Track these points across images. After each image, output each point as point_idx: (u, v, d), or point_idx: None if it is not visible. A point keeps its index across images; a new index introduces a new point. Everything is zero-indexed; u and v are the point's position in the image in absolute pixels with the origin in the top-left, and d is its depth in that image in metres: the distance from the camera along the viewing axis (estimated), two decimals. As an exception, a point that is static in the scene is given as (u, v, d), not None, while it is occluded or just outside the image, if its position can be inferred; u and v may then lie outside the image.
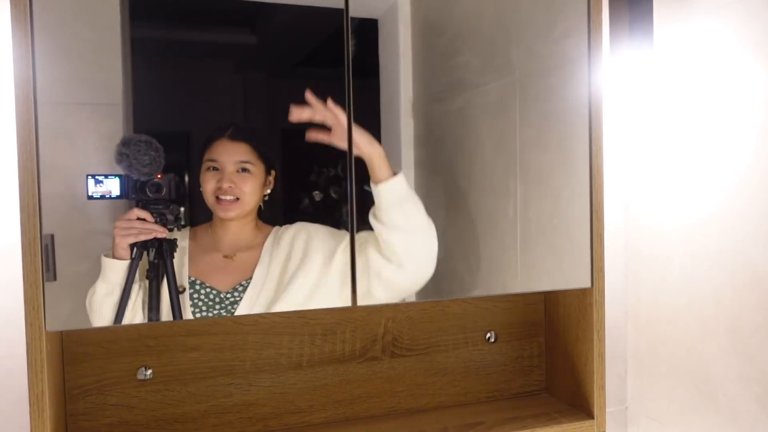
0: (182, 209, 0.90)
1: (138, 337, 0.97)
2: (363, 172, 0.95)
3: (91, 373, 0.96)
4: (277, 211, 0.96)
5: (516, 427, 1.03)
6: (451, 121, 1.03)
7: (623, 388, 1.29)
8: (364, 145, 0.93)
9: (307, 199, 0.94)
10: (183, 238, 0.92)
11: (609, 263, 1.09)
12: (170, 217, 0.88)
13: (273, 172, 0.93)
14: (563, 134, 1.06)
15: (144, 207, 0.87)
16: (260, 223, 0.96)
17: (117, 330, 0.96)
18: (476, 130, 1.04)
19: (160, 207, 0.87)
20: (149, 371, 0.98)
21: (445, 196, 1.02)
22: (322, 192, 0.94)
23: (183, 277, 0.92)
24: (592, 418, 1.06)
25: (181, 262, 0.92)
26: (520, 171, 1.08)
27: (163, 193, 0.86)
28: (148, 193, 0.86)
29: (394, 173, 0.94)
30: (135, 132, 0.86)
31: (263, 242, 0.95)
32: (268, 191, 0.94)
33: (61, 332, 0.93)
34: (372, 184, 0.94)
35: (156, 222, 0.87)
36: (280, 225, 0.96)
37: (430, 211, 1.00)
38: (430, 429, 1.03)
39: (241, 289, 0.94)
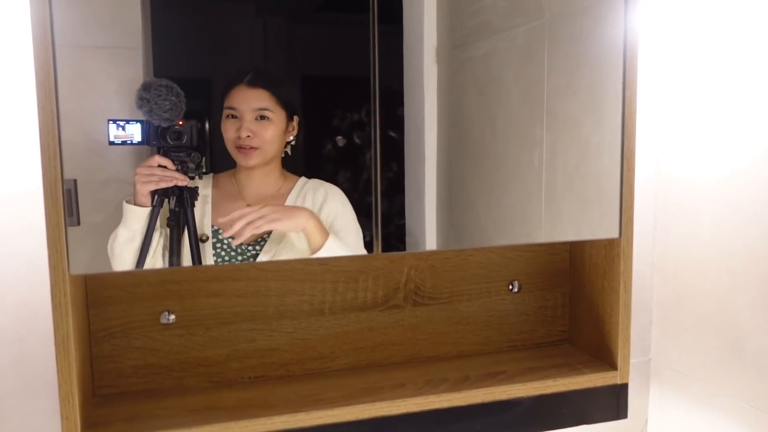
0: (203, 157, 0.88)
1: (161, 282, 0.98)
2: (388, 117, 0.93)
3: (115, 317, 0.96)
4: (302, 160, 0.94)
5: (538, 377, 1.02)
6: (475, 67, 1.00)
7: (647, 340, 1.27)
8: (296, 224, 0.92)
9: (330, 145, 0.92)
10: (206, 186, 0.91)
11: (637, 214, 1.06)
12: (191, 165, 0.86)
13: (295, 118, 0.91)
14: (594, 80, 1.02)
15: (165, 154, 0.85)
16: (285, 172, 0.94)
17: (140, 274, 0.96)
18: (502, 77, 1.01)
19: (182, 155, 0.86)
20: (172, 316, 0.98)
21: (468, 144, 1.00)
22: (346, 137, 0.92)
23: (206, 225, 0.91)
24: (615, 369, 1.05)
25: (203, 211, 0.91)
26: (547, 118, 1.05)
27: (184, 140, 0.85)
28: (169, 140, 0.84)
29: (326, 235, 0.93)
30: (155, 77, 0.84)
31: (288, 194, 0.94)
32: (291, 138, 0.92)
33: (85, 276, 0.93)
34: (310, 251, 0.92)
35: (177, 170, 0.86)
36: (308, 177, 0.94)
37: (453, 160, 0.98)
38: (451, 377, 1.03)
39: (262, 241, 0.93)
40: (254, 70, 0.89)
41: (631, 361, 1.24)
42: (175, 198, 0.87)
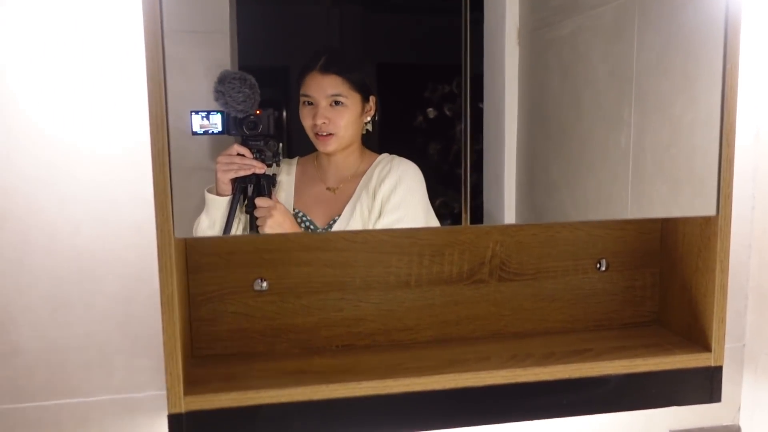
0: (281, 144, 0.91)
1: (255, 250, 1.01)
2: (478, 89, 0.93)
3: (212, 282, 1.01)
4: (383, 137, 0.95)
5: (627, 356, 1.01)
6: (560, 48, 0.98)
7: (741, 325, 1.23)
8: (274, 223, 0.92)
9: (421, 117, 0.93)
10: (290, 170, 0.94)
11: (734, 192, 1.02)
12: (268, 153, 0.89)
13: (372, 99, 0.92)
14: (689, 56, 0.99)
15: (244, 143, 0.89)
16: (365, 150, 0.96)
17: (236, 242, 1.01)
18: (588, 57, 0.99)
19: (259, 143, 0.89)
20: (265, 283, 1.02)
21: (551, 127, 0.99)
22: (436, 109, 0.93)
23: (288, 208, 0.94)
24: (709, 350, 1.02)
25: (287, 193, 0.94)
26: (636, 98, 1.03)
27: (260, 129, 0.88)
28: (245, 130, 0.87)
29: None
30: (239, 63, 0.86)
31: (364, 173, 0.95)
32: (368, 119, 0.93)
33: (185, 242, 0.98)
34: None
35: (255, 158, 0.89)
36: (390, 152, 0.95)
37: (536, 142, 0.97)
38: (537, 353, 1.02)
39: (332, 224, 0.95)
40: (327, 55, 0.91)
41: (725, 345, 1.19)
42: (252, 185, 0.90)
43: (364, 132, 0.94)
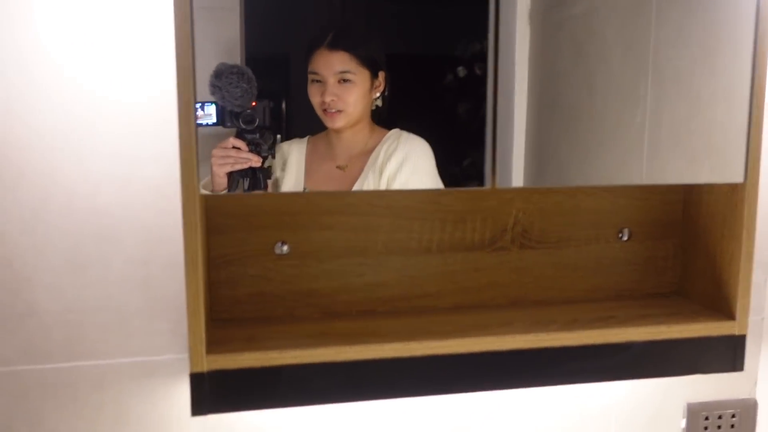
0: (278, 136, 0.89)
1: (276, 213, 1.00)
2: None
3: (232, 244, 1.00)
4: (393, 113, 0.94)
5: (650, 323, 1.00)
6: (573, 26, 0.97)
7: (762, 298, 1.22)
8: None
9: (451, 75, 0.92)
10: (301, 149, 0.92)
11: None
12: (264, 146, 0.88)
13: (381, 75, 0.91)
14: (710, 29, 0.97)
15: (239, 135, 0.87)
16: (375, 126, 0.94)
17: (257, 204, 0.99)
18: (602, 34, 0.98)
19: (255, 136, 0.87)
20: (285, 246, 1.01)
21: (562, 108, 0.97)
22: (467, 68, 0.91)
23: (298, 186, 0.93)
24: (733, 319, 1.01)
25: (298, 172, 0.92)
26: (653, 73, 1.01)
27: (257, 122, 0.86)
28: (242, 124, 0.86)
29: None
30: (246, 41, 0.84)
31: (373, 150, 0.94)
32: (377, 95, 0.92)
33: (205, 204, 0.96)
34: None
35: (251, 151, 0.87)
36: (401, 127, 0.94)
37: (543, 125, 0.96)
38: (560, 319, 1.02)
39: None
40: (334, 32, 0.89)
41: (745, 317, 1.19)
42: (248, 179, 0.89)
43: (374, 108, 0.93)
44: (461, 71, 0.91)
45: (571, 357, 0.97)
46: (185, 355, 1.02)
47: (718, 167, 1.00)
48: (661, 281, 1.14)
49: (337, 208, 1.02)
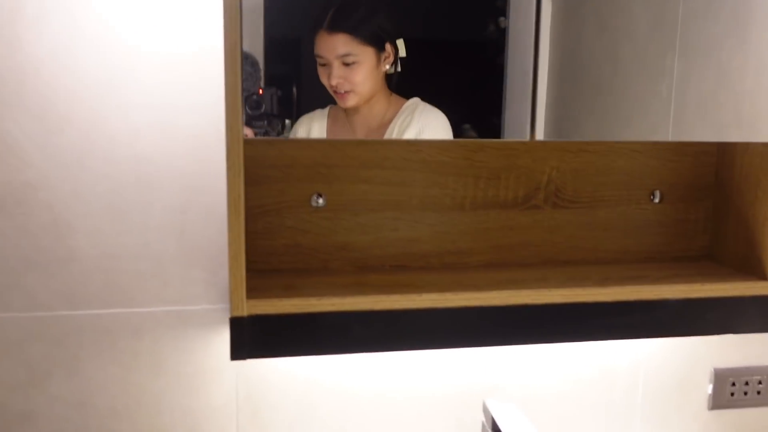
0: (287, 122, 0.90)
1: (313, 165, 1.01)
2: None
3: (269, 195, 1.01)
4: (410, 82, 0.94)
5: (685, 281, 1.00)
6: (597, 1, 0.97)
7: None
8: None
9: (493, 26, 0.92)
10: (322, 122, 0.93)
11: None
12: (273, 134, 0.88)
13: (388, 46, 0.91)
14: None
15: (247, 123, 0.87)
16: (393, 97, 0.94)
17: (295, 156, 1.00)
18: (627, 6, 0.98)
19: (263, 122, 0.88)
20: (321, 199, 1.02)
21: (585, 85, 0.98)
22: (508, 18, 0.91)
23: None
24: (766, 280, 1.01)
25: None
26: (680, 46, 1.01)
27: (263, 109, 0.87)
28: (248, 110, 0.86)
29: None
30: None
31: (390, 121, 0.95)
32: (388, 66, 0.92)
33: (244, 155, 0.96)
34: None
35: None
36: (421, 96, 0.94)
37: (566, 104, 0.96)
38: (593, 277, 1.02)
39: None
40: (332, 12, 0.89)
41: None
42: None
43: (391, 72, 0.93)
44: (503, 21, 0.91)
45: (605, 313, 0.97)
46: (220, 306, 1.03)
47: (747, 138, 1.00)
48: (691, 244, 1.14)
49: (372, 162, 1.02)
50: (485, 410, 1.05)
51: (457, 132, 0.95)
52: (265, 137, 0.90)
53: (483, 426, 1.06)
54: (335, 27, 0.89)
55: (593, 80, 0.98)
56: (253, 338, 0.88)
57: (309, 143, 0.99)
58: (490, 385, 1.11)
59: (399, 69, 0.93)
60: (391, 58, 0.92)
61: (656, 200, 1.12)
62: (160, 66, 0.96)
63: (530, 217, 1.08)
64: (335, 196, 1.02)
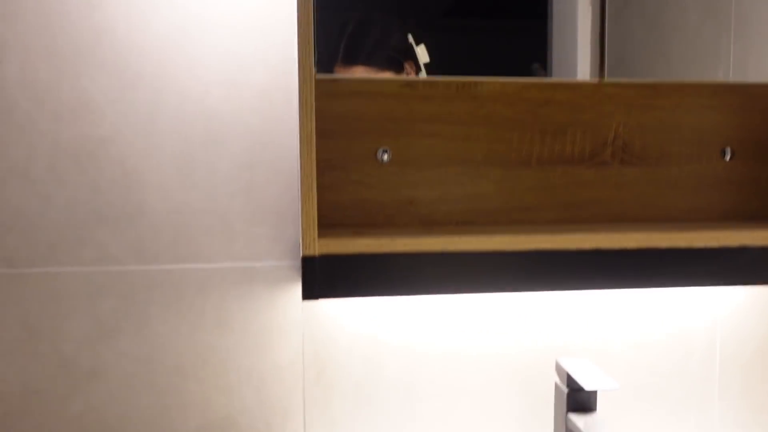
0: None
1: (379, 119, 1.01)
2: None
3: (335, 149, 1.01)
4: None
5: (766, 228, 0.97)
6: None
7: None
8: None
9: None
10: None
11: None
12: None
13: (406, 66, 0.92)
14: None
15: None
16: None
17: (361, 109, 1.00)
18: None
19: None
20: (386, 154, 1.02)
21: (635, 67, 0.97)
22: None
23: None
24: None
25: None
26: (734, 33, 1.01)
27: None
28: None
29: None
30: None
31: None
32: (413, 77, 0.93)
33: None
34: None
35: None
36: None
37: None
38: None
39: None
40: (344, 44, 0.90)
41: None
42: None
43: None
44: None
45: (682, 259, 0.94)
46: (286, 263, 1.02)
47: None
48: (765, 203, 1.10)
49: (438, 116, 1.02)
50: (558, 368, 1.01)
51: (527, 73, 0.95)
52: (333, 75, 0.91)
53: (556, 385, 1.03)
54: (350, 60, 0.90)
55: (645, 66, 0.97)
56: (324, 278, 0.87)
57: (375, 96, 0.99)
58: (560, 346, 1.08)
59: (425, 73, 0.94)
60: (413, 73, 0.93)
61: (727, 158, 1.09)
62: (228, 23, 0.98)
63: (597, 174, 1.06)
64: (401, 151, 1.02)
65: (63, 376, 1.00)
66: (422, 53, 0.93)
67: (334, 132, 1.01)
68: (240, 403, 1.04)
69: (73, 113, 0.96)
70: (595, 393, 1.00)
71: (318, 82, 0.90)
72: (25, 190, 0.96)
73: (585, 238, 0.92)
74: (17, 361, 0.99)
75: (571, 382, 1.00)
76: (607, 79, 0.93)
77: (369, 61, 0.89)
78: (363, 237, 0.88)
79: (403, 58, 0.91)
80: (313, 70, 0.85)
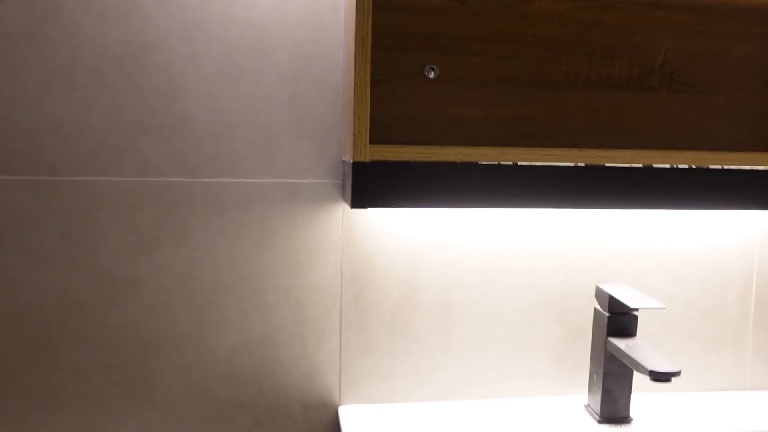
0: None
1: (428, 34, 0.99)
2: None
3: (382, 63, 0.99)
4: None
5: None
6: None
7: None
8: None
9: None
10: None
11: None
12: None
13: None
14: None
15: None
16: None
17: (409, 24, 0.99)
18: None
19: None
20: (433, 72, 1.00)
21: None
22: None
23: None
24: None
25: None
26: None
27: None
28: None
29: None
30: None
31: None
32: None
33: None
34: None
35: None
36: None
37: None
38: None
39: None
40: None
41: None
42: None
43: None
44: None
45: (733, 180, 0.93)
46: (328, 181, 1.01)
47: None
48: (810, 136, 1.09)
49: (486, 34, 1.01)
50: (599, 292, 1.01)
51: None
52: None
53: (596, 311, 1.02)
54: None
55: None
56: (375, 186, 0.86)
57: (424, 11, 0.98)
58: (597, 276, 1.07)
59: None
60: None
61: (773, 88, 1.08)
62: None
63: (644, 100, 1.05)
64: (448, 68, 1.00)
65: (100, 288, 0.99)
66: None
67: (382, 46, 0.99)
68: (277, 323, 1.03)
69: (120, 16, 0.94)
70: (636, 318, 1.00)
71: (371, -12, 0.88)
72: (68, 95, 0.95)
73: (637, 155, 0.91)
74: (55, 271, 0.97)
75: (612, 306, 1.00)
76: (664, -8, 0.92)
77: None
78: (415, 145, 0.87)
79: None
80: (369, -27, 0.83)
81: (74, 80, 0.95)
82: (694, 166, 0.92)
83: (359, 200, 0.86)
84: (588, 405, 1.04)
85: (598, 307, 1.01)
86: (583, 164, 0.90)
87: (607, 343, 0.99)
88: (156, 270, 0.99)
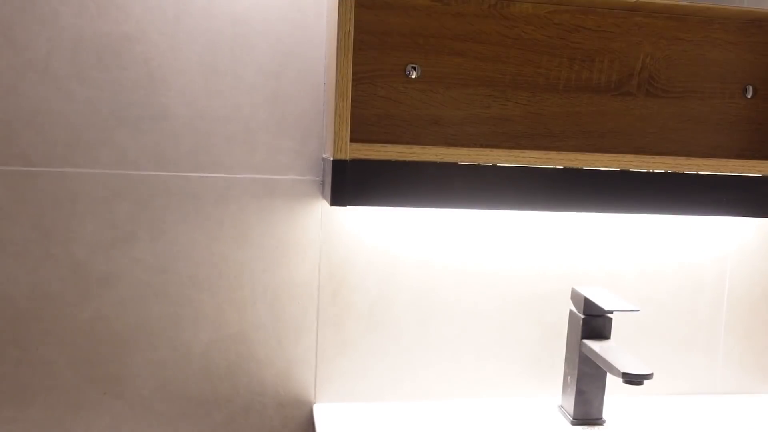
0: None
1: (410, 33, 0.99)
2: None
3: (364, 62, 0.99)
4: None
5: (787, 161, 0.98)
6: None
7: None
8: None
9: None
10: None
11: None
12: None
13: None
14: None
15: None
16: None
17: (391, 22, 0.99)
18: None
19: None
20: (415, 71, 1.00)
21: None
22: None
23: None
24: None
25: None
26: None
27: None
28: None
29: None
30: None
31: None
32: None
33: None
34: None
35: None
36: None
37: None
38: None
39: None
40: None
41: None
42: None
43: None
44: None
45: (708, 186, 0.94)
46: (308, 178, 1.01)
47: None
48: (784, 144, 1.11)
49: (468, 34, 1.01)
50: (574, 294, 1.02)
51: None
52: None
53: (571, 312, 1.03)
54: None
55: None
56: (354, 185, 0.86)
57: (407, 10, 0.98)
58: (572, 275, 1.08)
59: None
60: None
61: (749, 95, 1.09)
62: None
63: (622, 104, 1.06)
64: (429, 68, 1.01)
65: (74, 281, 0.97)
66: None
67: (364, 44, 0.99)
68: (253, 319, 1.02)
69: (98, 7, 0.93)
70: (610, 321, 1.01)
71: (355, -15, 0.88)
72: (44, 86, 0.93)
73: (614, 159, 0.92)
74: (28, 263, 0.96)
75: (587, 308, 1.00)
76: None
77: None
78: (395, 144, 0.87)
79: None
80: (354, -34, 0.83)
81: (50, 70, 0.93)
82: (670, 171, 0.93)
83: (338, 198, 0.86)
84: (561, 406, 1.05)
85: (574, 308, 1.02)
86: (561, 167, 0.90)
87: (581, 344, 1.00)
88: (131, 264, 0.98)
